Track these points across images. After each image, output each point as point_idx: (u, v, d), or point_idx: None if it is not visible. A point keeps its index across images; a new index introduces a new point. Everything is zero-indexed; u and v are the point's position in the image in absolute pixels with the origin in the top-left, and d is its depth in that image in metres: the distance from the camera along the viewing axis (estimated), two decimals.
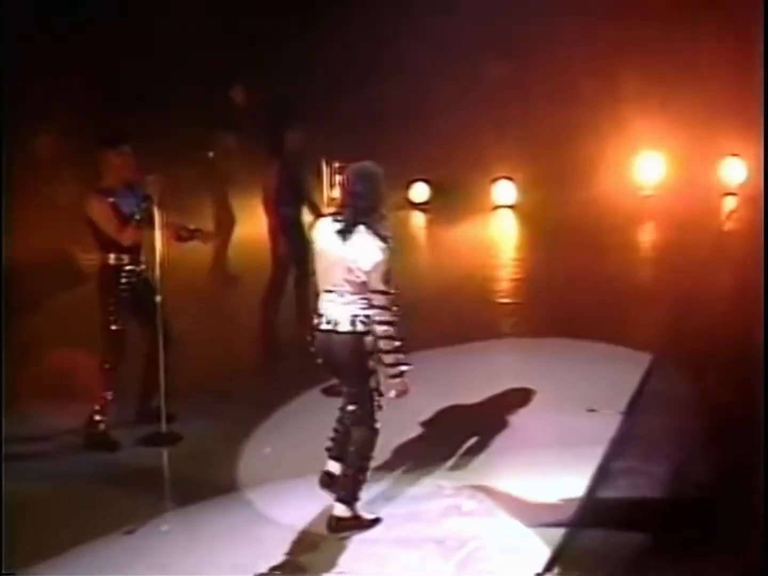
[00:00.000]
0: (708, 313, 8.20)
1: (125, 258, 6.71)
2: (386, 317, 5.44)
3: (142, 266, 6.79)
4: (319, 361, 5.64)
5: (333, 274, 5.51)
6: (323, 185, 7.67)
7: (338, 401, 5.81)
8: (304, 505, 5.76)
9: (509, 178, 13.19)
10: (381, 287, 5.43)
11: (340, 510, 5.57)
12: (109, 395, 6.74)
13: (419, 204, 13.37)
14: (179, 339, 6.95)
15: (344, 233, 5.47)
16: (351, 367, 5.53)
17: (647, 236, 12.22)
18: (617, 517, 5.48)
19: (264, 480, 6.14)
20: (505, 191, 13.24)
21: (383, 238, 5.45)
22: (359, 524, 5.59)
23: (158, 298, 6.67)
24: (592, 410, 6.72)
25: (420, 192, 13.52)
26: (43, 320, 8.69)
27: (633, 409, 6.67)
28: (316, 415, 6.53)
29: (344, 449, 5.67)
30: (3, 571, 5.31)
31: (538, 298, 9.57)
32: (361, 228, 5.45)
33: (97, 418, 6.72)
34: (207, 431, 6.81)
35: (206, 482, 6.13)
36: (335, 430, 5.80)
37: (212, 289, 9.96)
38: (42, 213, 9.72)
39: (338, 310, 5.49)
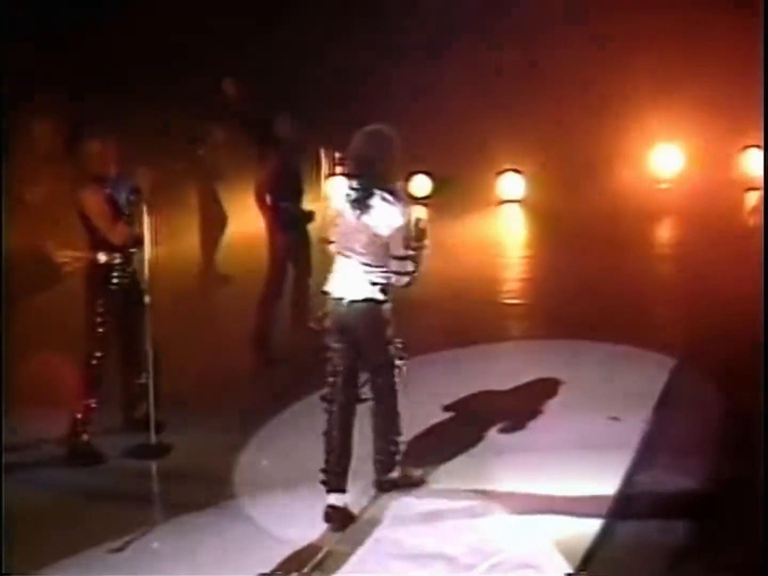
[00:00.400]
0: (730, 313, 8.23)
1: (117, 256, 6.71)
2: (406, 282, 5.67)
3: (134, 265, 6.80)
4: (326, 326, 5.80)
5: (353, 241, 5.70)
6: (321, 176, 7.75)
7: None
8: (304, 518, 5.81)
9: (517, 171, 13.24)
10: (401, 253, 5.63)
11: (387, 475, 5.92)
12: (93, 403, 6.74)
13: (420, 198, 13.40)
14: (168, 342, 6.99)
15: (361, 202, 5.64)
16: (369, 336, 5.73)
17: (665, 232, 12.27)
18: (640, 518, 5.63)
19: (261, 492, 6.16)
20: (512, 185, 13.28)
21: (402, 202, 5.63)
22: (406, 481, 5.95)
23: (147, 299, 6.70)
24: (615, 418, 6.74)
25: (421, 185, 13.54)
26: (18, 323, 8.69)
27: (657, 417, 6.69)
28: (314, 422, 6.55)
29: (343, 478, 5.77)
30: (3, 572, 5.43)
31: (548, 298, 9.61)
32: (377, 194, 5.62)
33: (81, 428, 6.71)
34: (198, 441, 6.82)
35: (199, 496, 6.13)
36: (326, 461, 5.83)
37: (202, 290, 10.00)
38: (18, 209, 9.76)
39: (357, 276, 5.68)
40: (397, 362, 5.84)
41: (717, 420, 6.65)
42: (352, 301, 5.70)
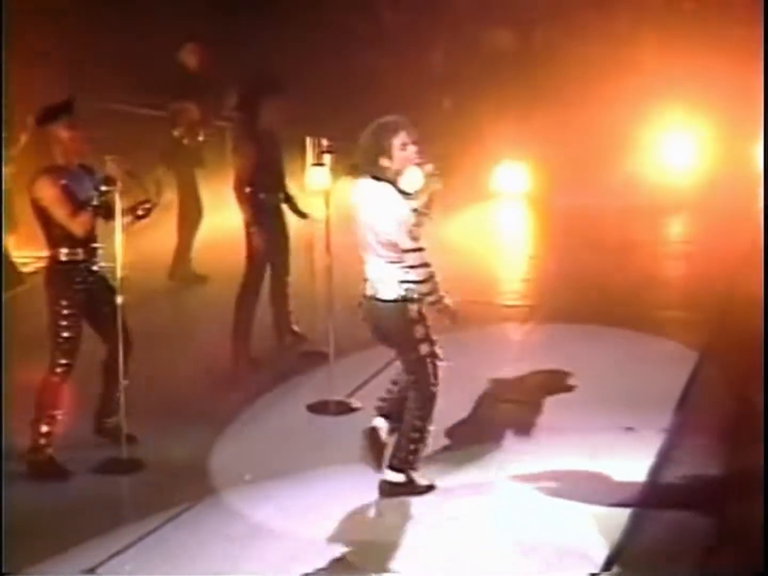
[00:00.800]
0: (749, 313, 8.26)
1: (80, 252, 6.65)
2: (425, 275, 5.84)
3: (100, 262, 6.75)
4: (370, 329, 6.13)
5: (366, 239, 5.96)
6: (306, 166, 7.72)
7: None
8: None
9: (516, 160, 13.21)
10: (409, 245, 5.80)
11: (392, 476, 6.11)
12: (58, 414, 6.68)
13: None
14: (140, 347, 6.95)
15: (367, 198, 5.88)
16: (398, 336, 5.99)
17: (678, 228, 12.26)
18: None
19: (240, 512, 6.14)
20: (511, 176, 13.26)
21: (402, 192, 5.83)
22: (412, 490, 6.11)
23: (119, 299, 6.64)
24: (630, 428, 6.83)
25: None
26: None
27: (677, 426, 6.78)
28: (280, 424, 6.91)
29: (394, 408, 6.14)
30: (3, 571, 5.47)
31: (551, 300, 9.60)
32: (374, 185, 5.87)
33: (43, 441, 6.65)
34: (173, 452, 6.80)
35: (173, 512, 6.09)
36: (388, 390, 6.25)
37: (175, 290, 9.98)
38: None
39: (381, 275, 5.94)
40: (432, 362, 6.00)
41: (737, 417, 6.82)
42: (381, 300, 5.94)
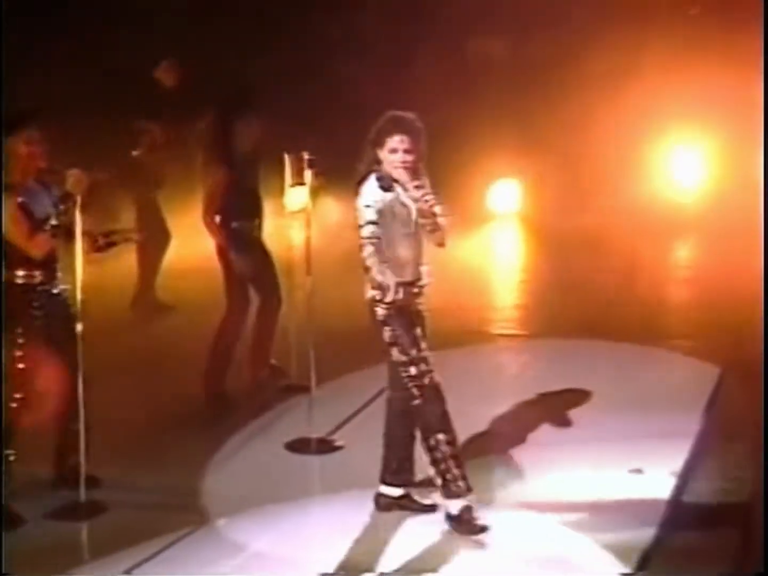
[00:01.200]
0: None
1: (37, 275, 6.63)
2: (380, 277, 5.89)
3: (59, 286, 6.73)
4: None
5: None
6: (285, 184, 7.71)
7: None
8: None
9: (512, 180, 13.24)
10: (365, 233, 5.91)
11: (382, 488, 6.38)
12: (10, 455, 6.61)
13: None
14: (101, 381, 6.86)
15: None
16: (378, 334, 6.10)
17: (685, 251, 12.36)
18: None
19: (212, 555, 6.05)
20: (506, 196, 13.28)
21: (381, 181, 5.99)
22: (405, 505, 6.31)
23: (79, 327, 6.57)
24: (637, 470, 6.79)
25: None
26: None
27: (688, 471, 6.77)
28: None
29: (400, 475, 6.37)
30: (3, 571, 5.55)
31: (548, 328, 9.63)
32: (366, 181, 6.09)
33: None
34: (137, 496, 6.72)
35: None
36: (385, 457, 6.41)
37: (138, 320, 9.95)
38: None
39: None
40: (408, 374, 6.06)
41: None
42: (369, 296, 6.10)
